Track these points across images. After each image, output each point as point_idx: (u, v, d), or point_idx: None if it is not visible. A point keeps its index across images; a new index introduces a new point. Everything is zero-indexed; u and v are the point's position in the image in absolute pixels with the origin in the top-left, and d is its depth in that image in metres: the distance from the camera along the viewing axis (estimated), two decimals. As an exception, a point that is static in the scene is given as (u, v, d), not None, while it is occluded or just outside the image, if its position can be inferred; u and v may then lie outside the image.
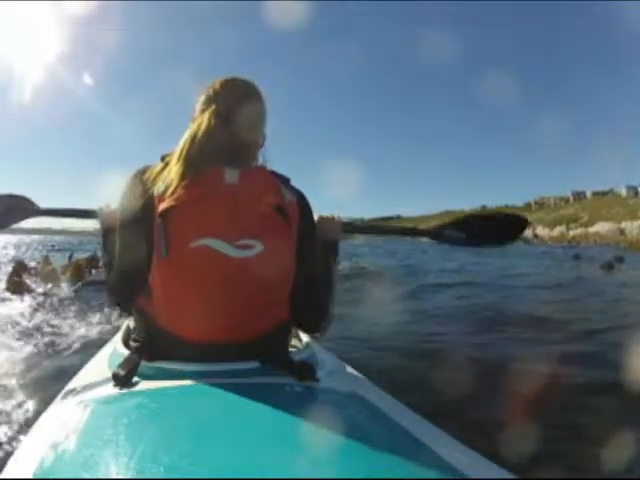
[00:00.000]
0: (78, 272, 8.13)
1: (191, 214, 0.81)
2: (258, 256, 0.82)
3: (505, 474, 0.65)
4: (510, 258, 16.90)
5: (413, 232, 1.57)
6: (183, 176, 0.83)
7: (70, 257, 9.77)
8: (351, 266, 11.98)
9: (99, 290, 6.34)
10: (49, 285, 7.25)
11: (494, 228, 1.43)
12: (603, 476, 1.65)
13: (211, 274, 0.82)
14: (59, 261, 9.77)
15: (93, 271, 8.49)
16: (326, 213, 1.15)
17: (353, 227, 1.36)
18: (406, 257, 19.37)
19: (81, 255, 10.19)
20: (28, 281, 7.24)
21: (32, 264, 9.16)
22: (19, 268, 7.91)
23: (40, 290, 6.82)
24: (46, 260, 9.36)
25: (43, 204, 1.39)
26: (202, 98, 0.95)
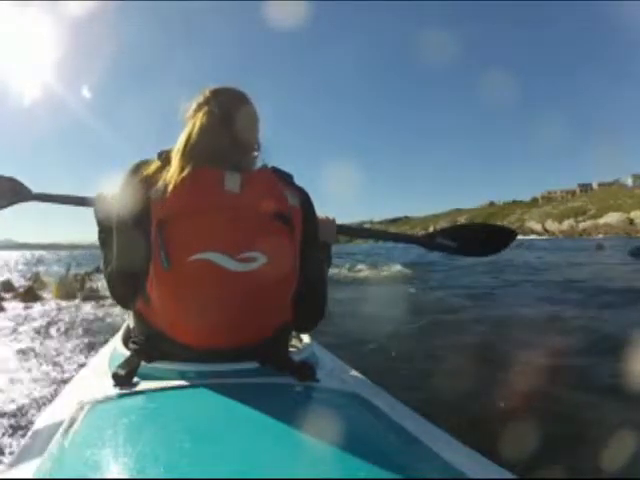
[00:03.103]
0: (68, 288, 7.78)
1: (191, 226, 0.80)
2: (261, 269, 0.81)
3: (505, 474, 0.65)
4: (538, 252, 16.77)
5: (405, 239, 1.56)
6: (182, 175, 0.82)
7: (68, 270, 9.40)
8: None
9: (85, 311, 6.24)
10: (28, 304, 6.90)
11: (485, 239, 1.45)
12: (603, 476, 1.64)
13: (212, 288, 0.81)
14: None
15: (88, 285, 8.09)
16: (322, 215, 1.12)
17: (347, 229, 1.37)
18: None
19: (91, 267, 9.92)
20: (8, 301, 7.03)
21: (21, 281, 8.93)
22: (3, 288, 7.89)
23: (16, 309, 6.51)
24: (37, 277, 9.13)
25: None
26: (193, 105, 0.95)
